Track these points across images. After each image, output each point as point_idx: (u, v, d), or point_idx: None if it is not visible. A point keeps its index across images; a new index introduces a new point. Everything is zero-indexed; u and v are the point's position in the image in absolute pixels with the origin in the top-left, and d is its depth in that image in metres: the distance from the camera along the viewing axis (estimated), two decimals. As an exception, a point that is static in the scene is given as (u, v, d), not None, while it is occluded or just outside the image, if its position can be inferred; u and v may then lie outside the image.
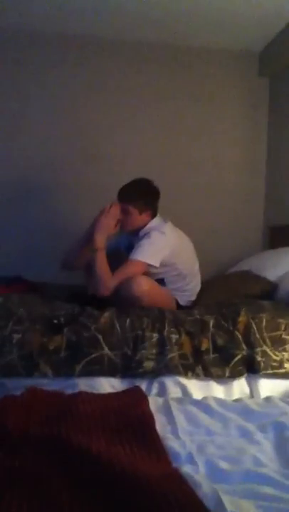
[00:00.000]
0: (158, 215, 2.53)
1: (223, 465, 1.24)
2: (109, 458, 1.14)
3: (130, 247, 2.51)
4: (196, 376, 2.03)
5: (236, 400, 1.89)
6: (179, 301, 2.49)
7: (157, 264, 2.33)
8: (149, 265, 2.32)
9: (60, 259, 2.65)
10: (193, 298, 2.56)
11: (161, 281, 2.44)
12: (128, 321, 2.08)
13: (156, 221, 2.50)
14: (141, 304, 2.21)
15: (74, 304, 2.28)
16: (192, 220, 3.53)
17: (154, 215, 2.51)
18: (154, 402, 1.68)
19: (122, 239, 2.66)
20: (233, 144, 3.89)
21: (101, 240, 2.36)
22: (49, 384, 1.89)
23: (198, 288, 2.61)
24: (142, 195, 2.47)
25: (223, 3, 3.11)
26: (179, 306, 2.47)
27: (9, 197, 3.58)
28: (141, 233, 2.46)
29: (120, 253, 2.62)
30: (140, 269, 2.31)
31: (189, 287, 2.54)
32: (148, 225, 2.47)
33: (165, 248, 2.37)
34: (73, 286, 2.86)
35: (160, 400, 1.74)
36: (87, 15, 3.33)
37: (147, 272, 2.35)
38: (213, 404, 1.72)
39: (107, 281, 2.27)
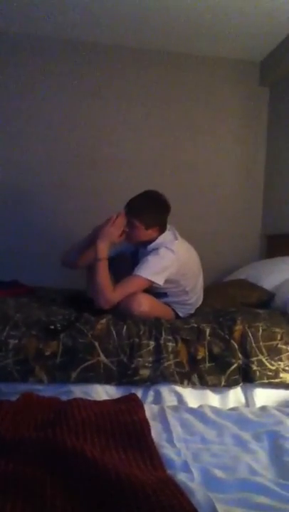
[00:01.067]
0: (168, 228, 2.43)
1: (218, 473, 1.23)
2: (104, 463, 1.14)
3: (136, 254, 2.49)
4: (192, 384, 2.02)
5: (232, 409, 1.89)
6: (179, 313, 2.47)
7: (161, 283, 2.27)
8: (153, 283, 2.28)
9: (61, 258, 2.61)
10: (193, 311, 2.53)
11: (163, 294, 2.42)
12: (125, 328, 2.08)
13: (166, 236, 2.40)
14: None
15: (71, 308, 2.28)
16: (190, 226, 3.51)
17: (162, 231, 2.40)
18: (149, 410, 1.67)
19: (128, 244, 2.55)
20: (232, 153, 3.92)
21: (103, 249, 2.29)
22: (44, 390, 1.89)
23: (199, 302, 2.56)
24: (149, 211, 2.35)
25: (225, 12, 3.16)
26: (177, 318, 2.44)
27: (6, 200, 3.59)
28: (149, 248, 2.38)
29: (125, 257, 2.58)
30: (143, 286, 2.28)
31: (191, 302, 2.50)
32: (157, 241, 2.38)
33: (172, 267, 2.30)
34: (71, 290, 2.85)
35: (156, 408, 1.74)
36: (89, 21, 3.37)
37: (150, 286, 2.33)
38: (208, 412, 1.72)
39: (108, 294, 2.22)
